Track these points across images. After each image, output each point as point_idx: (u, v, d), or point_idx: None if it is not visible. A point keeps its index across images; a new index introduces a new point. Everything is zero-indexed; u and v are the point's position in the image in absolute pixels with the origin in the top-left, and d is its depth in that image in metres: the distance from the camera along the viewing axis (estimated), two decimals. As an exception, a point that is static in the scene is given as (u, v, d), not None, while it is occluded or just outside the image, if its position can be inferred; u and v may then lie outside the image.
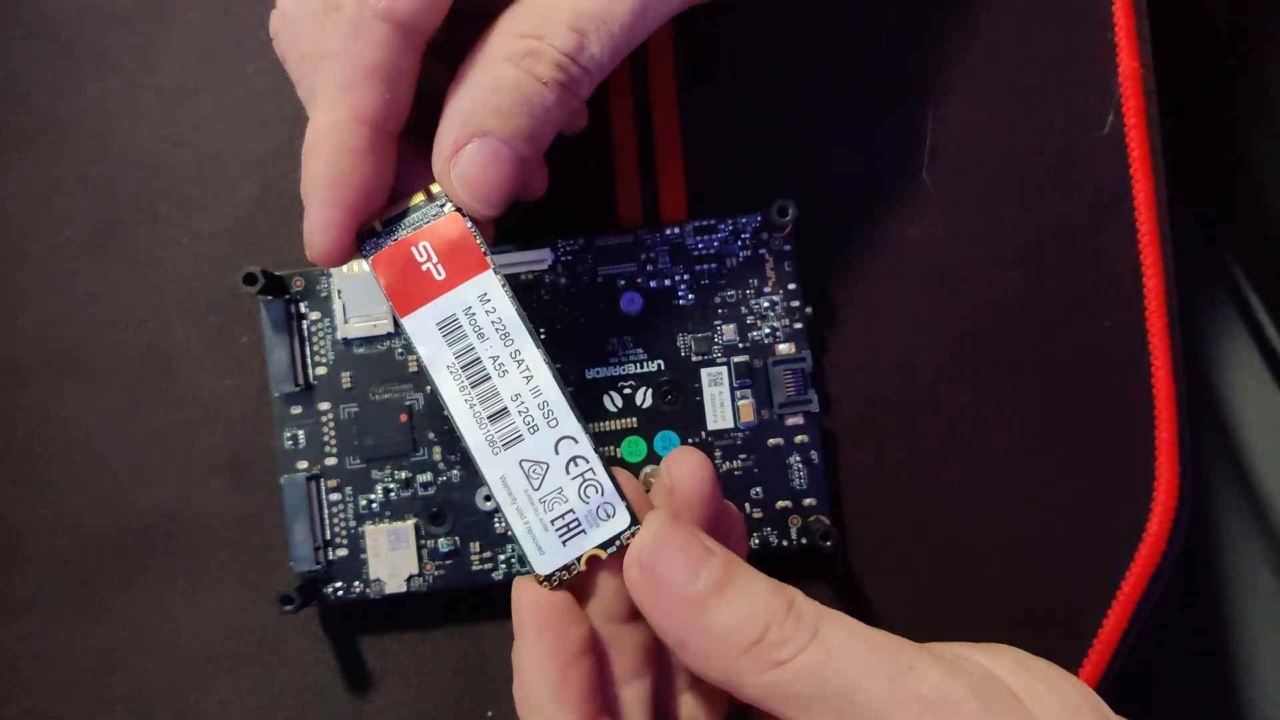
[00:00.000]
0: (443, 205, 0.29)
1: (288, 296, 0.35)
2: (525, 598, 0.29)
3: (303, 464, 0.36)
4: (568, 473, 0.29)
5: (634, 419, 0.36)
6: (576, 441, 0.29)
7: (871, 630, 0.27)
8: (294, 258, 0.37)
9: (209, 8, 0.37)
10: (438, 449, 0.36)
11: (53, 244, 0.37)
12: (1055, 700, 0.27)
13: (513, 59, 0.27)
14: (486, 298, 0.28)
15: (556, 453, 0.28)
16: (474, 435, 0.28)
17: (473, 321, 0.28)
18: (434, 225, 0.29)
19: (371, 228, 0.29)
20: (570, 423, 0.28)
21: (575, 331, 0.36)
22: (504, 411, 0.28)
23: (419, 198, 0.29)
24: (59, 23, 0.37)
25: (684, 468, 0.29)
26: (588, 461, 0.29)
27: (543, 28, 0.27)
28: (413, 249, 0.28)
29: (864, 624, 0.27)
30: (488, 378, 0.28)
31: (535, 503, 0.29)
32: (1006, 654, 0.28)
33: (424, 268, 0.28)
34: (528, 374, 0.28)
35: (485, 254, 0.29)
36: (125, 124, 0.37)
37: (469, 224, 0.29)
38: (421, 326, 0.28)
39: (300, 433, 0.36)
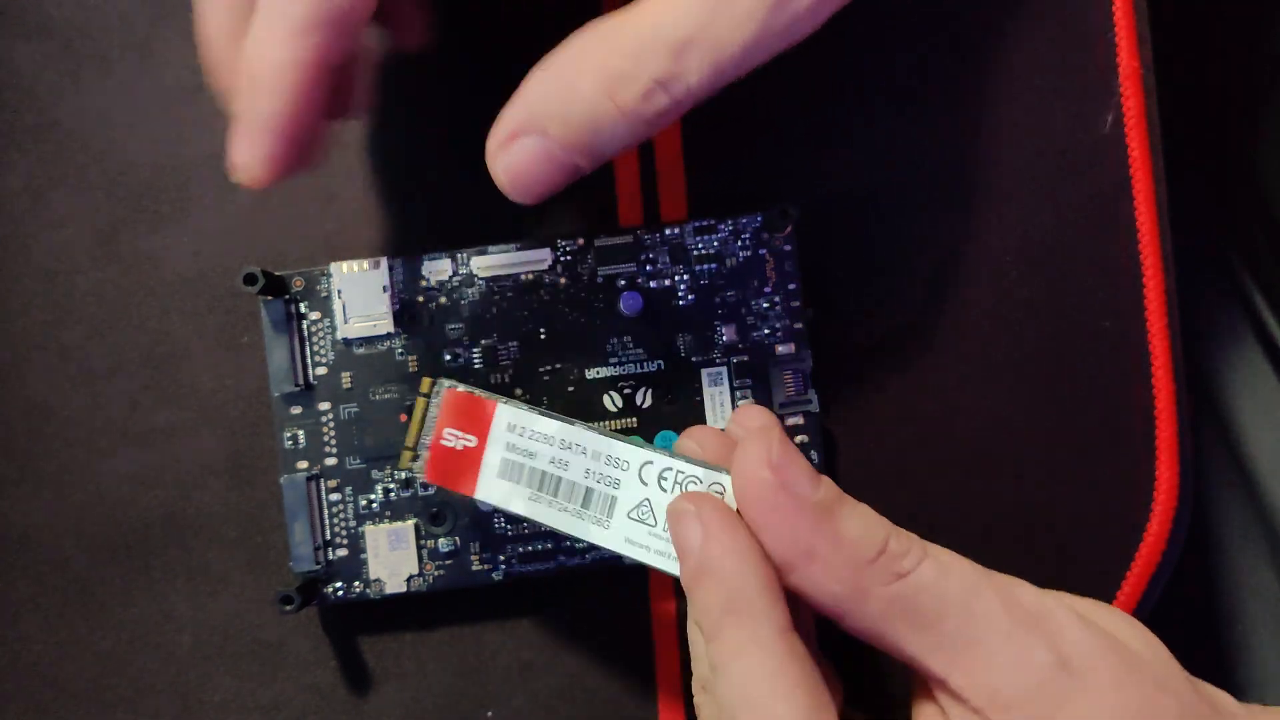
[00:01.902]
0: (439, 392, 0.31)
1: (288, 296, 0.35)
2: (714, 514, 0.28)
3: (303, 464, 0.36)
4: (663, 490, 0.30)
5: (634, 419, 0.36)
6: (651, 462, 0.30)
7: None
8: (294, 258, 0.37)
9: (209, 8, 0.37)
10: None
11: (53, 244, 0.37)
12: (1131, 631, 0.29)
13: (599, 79, 0.27)
14: (514, 426, 0.31)
15: (645, 483, 0.30)
16: (583, 529, 0.30)
17: (519, 452, 0.31)
18: (443, 412, 0.31)
19: (414, 453, 0.31)
20: (633, 451, 0.30)
21: (575, 331, 0.36)
22: (588, 491, 0.30)
23: (420, 402, 0.31)
24: (59, 22, 0.37)
25: (754, 420, 0.31)
26: (669, 466, 0.30)
27: (642, 50, 0.27)
28: (443, 443, 0.31)
29: None
30: (559, 479, 0.30)
31: (662, 533, 0.29)
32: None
33: (459, 447, 0.31)
34: (580, 448, 0.30)
35: (488, 397, 0.31)
36: (125, 124, 0.37)
37: (461, 388, 0.31)
38: (491, 489, 0.31)
39: (300, 433, 0.36)
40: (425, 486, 0.35)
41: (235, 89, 0.29)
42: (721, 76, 0.28)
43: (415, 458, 0.31)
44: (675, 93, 0.27)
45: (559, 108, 0.28)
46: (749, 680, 0.26)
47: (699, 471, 0.29)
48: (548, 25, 0.30)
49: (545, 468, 0.30)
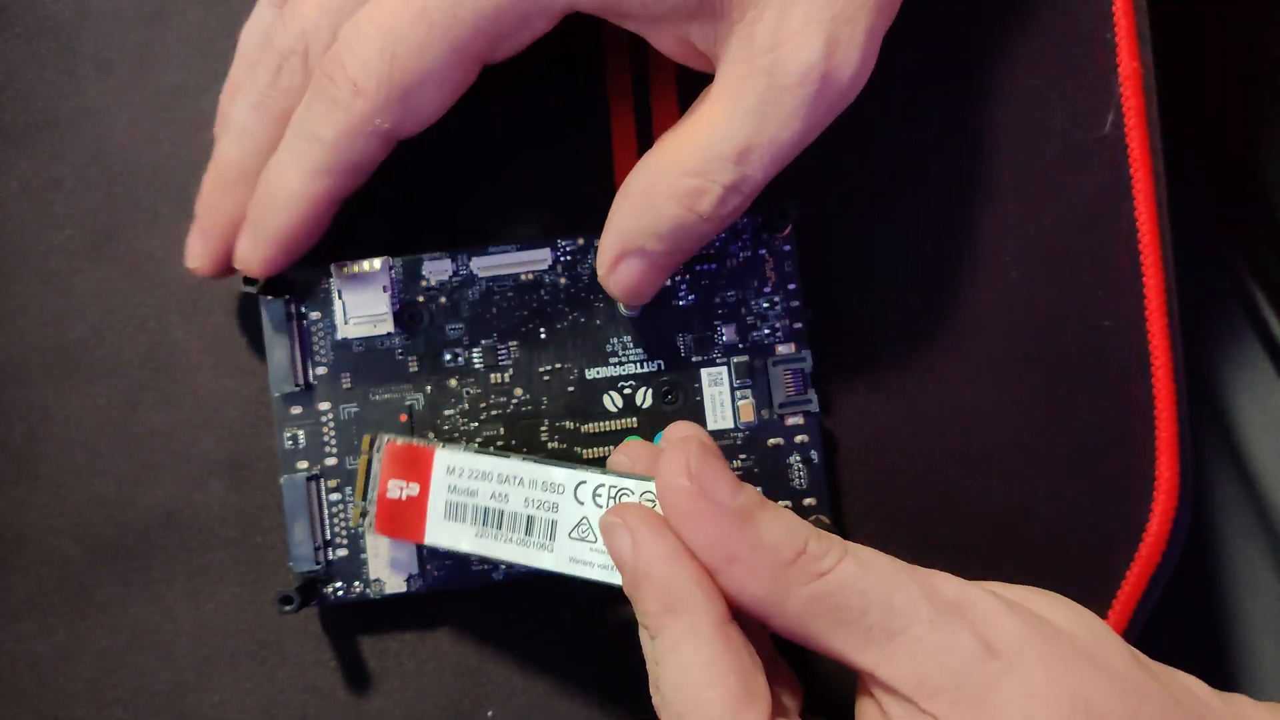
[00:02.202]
0: (380, 446, 0.32)
1: (288, 296, 0.35)
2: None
3: (303, 464, 0.36)
4: (598, 506, 0.31)
5: (634, 419, 0.36)
6: (585, 481, 0.31)
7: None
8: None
9: (209, 8, 0.37)
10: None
11: (53, 244, 0.37)
12: (1065, 612, 0.30)
13: (677, 197, 0.30)
14: (453, 469, 0.32)
15: (581, 502, 0.31)
16: (529, 556, 0.31)
17: (461, 492, 0.32)
18: (385, 465, 0.32)
19: (363, 509, 0.33)
20: (566, 474, 0.31)
21: (575, 331, 0.36)
22: (530, 519, 0.31)
23: (363, 459, 0.33)
24: (59, 22, 0.37)
25: (679, 432, 0.32)
26: (601, 482, 0.31)
27: (709, 165, 0.30)
28: (389, 495, 0.32)
29: None
30: (501, 511, 0.31)
31: (603, 548, 0.30)
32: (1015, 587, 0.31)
33: (404, 497, 0.32)
34: (518, 479, 0.31)
35: (425, 443, 0.32)
36: (125, 124, 0.37)
37: (400, 440, 0.32)
38: (438, 533, 0.32)
39: (300, 433, 0.36)
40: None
41: (204, 211, 0.34)
42: (783, 163, 0.31)
43: (364, 513, 0.32)
44: (746, 189, 0.30)
45: (650, 227, 0.31)
46: (683, 670, 0.28)
47: (630, 484, 0.30)
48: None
49: (487, 503, 0.31)
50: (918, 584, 0.28)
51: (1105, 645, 0.29)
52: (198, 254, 0.34)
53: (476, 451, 0.32)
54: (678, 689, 0.28)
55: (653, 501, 0.30)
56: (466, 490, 0.32)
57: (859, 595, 0.28)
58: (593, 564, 0.30)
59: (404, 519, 0.32)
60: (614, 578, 0.30)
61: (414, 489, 0.32)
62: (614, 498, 0.30)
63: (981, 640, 0.27)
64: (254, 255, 0.32)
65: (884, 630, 0.27)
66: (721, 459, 0.29)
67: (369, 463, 0.32)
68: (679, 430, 0.33)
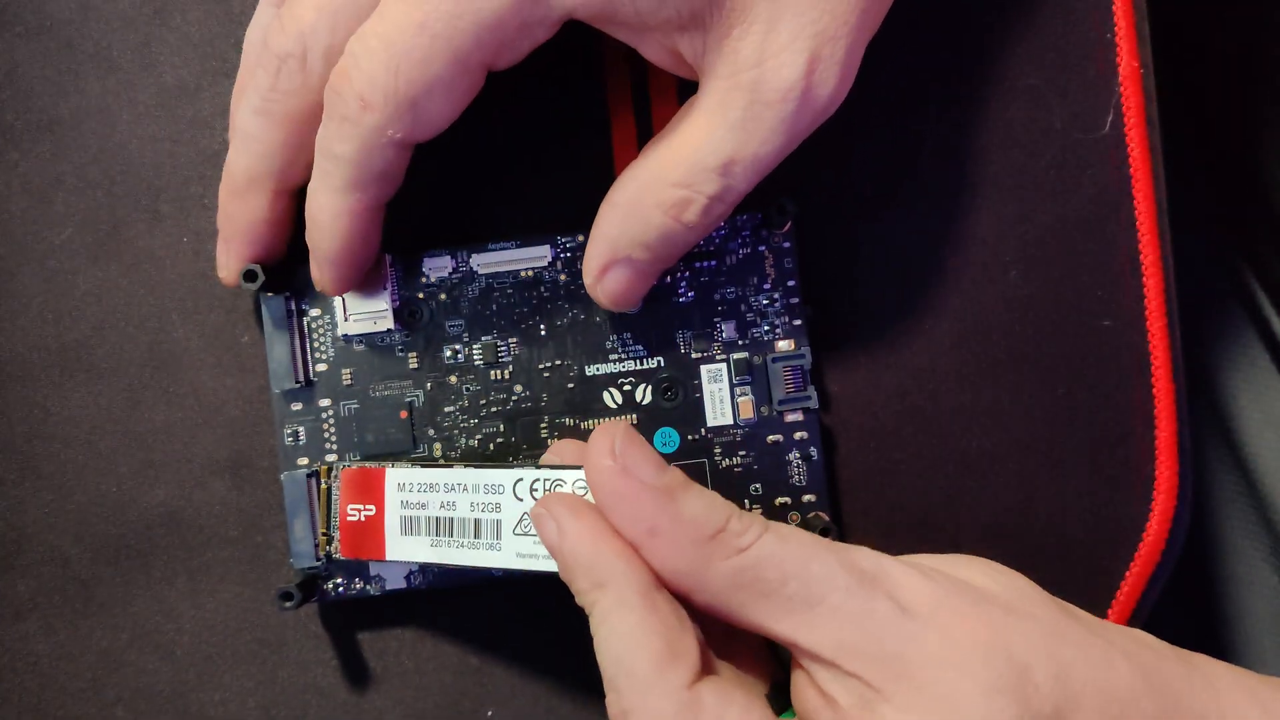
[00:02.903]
0: (335, 475, 0.34)
1: (288, 293, 0.35)
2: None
3: (303, 460, 0.36)
4: (535, 499, 0.31)
5: (634, 415, 0.36)
6: (522, 478, 0.32)
7: None
8: (294, 257, 0.37)
9: (209, 7, 0.37)
10: (438, 445, 0.36)
11: (53, 244, 0.37)
12: (988, 573, 0.31)
13: (664, 207, 0.31)
14: (403, 485, 0.33)
15: (520, 498, 0.32)
16: (480, 557, 0.32)
17: (412, 506, 0.33)
18: (343, 490, 0.34)
19: (328, 537, 0.34)
20: (504, 475, 0.32)
21: (575, 328, 0.36)
22: (477, 522, 0.32)
23: (323, 489, 0.34)
24: (59, 21, 0.37)
25: (608, 425, 0.32)
26: (537, 477, 0.32)
27: (694, 177, 0.31)
28: (349, 519, 0.33)
29: None
30: (450, 519, 0.32)
31: None
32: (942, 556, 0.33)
33: (363, 518, 0.33)
34: (462, 486, 0.32)
35: (375, 465, 0.33)
36: (126, 123, 0.37)
37: (353, 465, 0.34)
38: (397, 549, 0.33)
39: (301, 429, 0.36)
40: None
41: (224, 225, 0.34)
42: (764, 173, 0.31)
43: (330, 540, 0.34)
44: (729, 199, 0.31)
45: (637, 236, 0.32)
46: (612, 639, 0.29)
47: (563, 474, 0.31)
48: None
49: (437, 513, 0.32)
50: (835, 556, 0.29)
51: (1028, 599, 0.30)
52: (224, 264, 0.35)
53: (425, 465, 0.33)
54: (609, 657, 0.29)
55: (584, 490, 0.31)
56: (417, 504, 0.33)
57: (777, 567, 0.28)
58: (538, 555, 0.31)
59: (365, 539, 0.33)
60: (555, 566, 0.31)
61: (370, 509, 0.33)
62: (549, 489, 0.31)
63: (896, 603, 0.28)
64: (323, 279, 0.33)
65: (803, 600, 0.28)
66: (646, 444, 0.30)
67: (328, 491, 0.34)
68: (607, 424, 0.34)
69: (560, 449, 0.34)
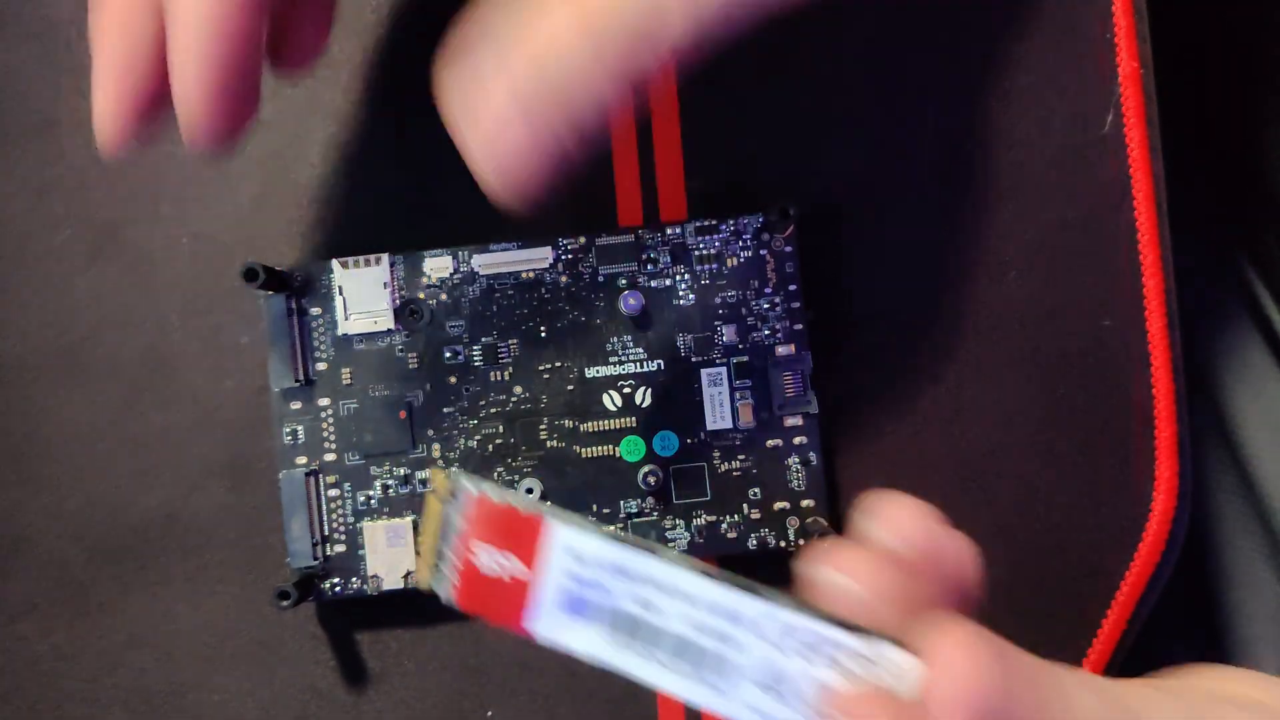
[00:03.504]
0: (458, 495, 0.25)
1: (288, 292, 0.35)
2: None
3: (301, 459, 0.36)
4: (803, 659, 0.23)
5: (633, 418, 0.36)
6: (776, 619, 0.23)
7: None
8: (294, 256, 0.37)
9: (209, 7, 0.37)
10: (436, 446, 0.36)
11: (53, 244, 0.37)
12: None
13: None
14: (574, 551, 0.24)
15: (770, 643, 0.23)
16: (695, 693, 0.23)
17: (588, 584, 0.24)
18: (472, 525, 0.24)
19: (437, 570, 0.25)
20: (750, 603, 0.23)
21: (575, 330, 0.36)
22: (692, 647, 0.23)
23: (433, 505, 0.25)
24: (59, 21, 0.37)
25: (895, 521, 0.25)
26: (807, 628, 0.23)
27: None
28: (474, 564, 0.24)
29: None
30: (650, 625, 0.24)
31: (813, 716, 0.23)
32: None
33: (505, 574, 0.24)
34: (673, 590, 0.24)
35: (532, 510, 0.24)
36: (125, 123, 0.37)
37: (493, 494, 0.24)
38: (553, 626, 0.24)
39: (300, 428, 0.36)
40: (425, 483, 0.35)
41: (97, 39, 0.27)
42: (704, 30, 0.24)
43: (437, 571, 0.25)
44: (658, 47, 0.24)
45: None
46: None
47: (853, 642, 0.23)
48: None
49: (630, 610, 0.24)
50: None
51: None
52: (109, 114, 0.27)
53: (603, 533, 0.24)
54: None
55: (895, 679, 0.23)
56: (594, 583, 0.24)
57: None
58: None
59: (500, 599, 0.24)
60: None
61: (518, 567, 0.24)
62: (827, 655, 0.23)
63: None
64: (192, 110, 0.26)
65: None
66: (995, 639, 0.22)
67: (442, 511, 0.25)
68: (887, 524, 0.25)
69: (847, 564, 0.24)
